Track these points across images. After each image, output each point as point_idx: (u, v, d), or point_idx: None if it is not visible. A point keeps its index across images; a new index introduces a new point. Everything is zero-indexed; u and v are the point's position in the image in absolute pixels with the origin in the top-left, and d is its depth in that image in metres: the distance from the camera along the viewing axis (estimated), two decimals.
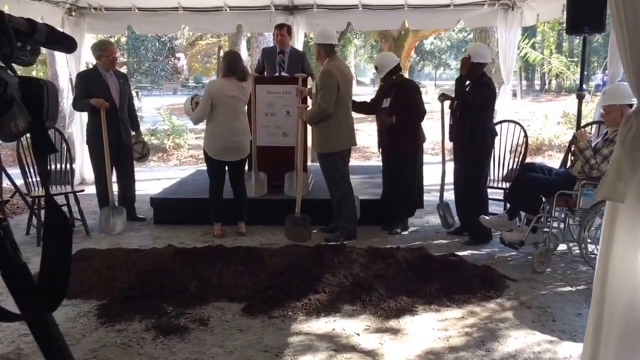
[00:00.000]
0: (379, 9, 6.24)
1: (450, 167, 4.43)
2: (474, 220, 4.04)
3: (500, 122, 5.07)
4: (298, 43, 6.21)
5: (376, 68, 4.41)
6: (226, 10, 6.12)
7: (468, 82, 4.09)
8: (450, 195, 4.48)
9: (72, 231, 1.13)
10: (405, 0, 6.07)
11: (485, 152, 4.14)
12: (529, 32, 19.28)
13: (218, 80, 4.32)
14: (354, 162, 9.09)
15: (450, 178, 4.41)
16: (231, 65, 4.19)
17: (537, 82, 28.78)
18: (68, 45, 1.15)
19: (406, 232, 4.51)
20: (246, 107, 4.40)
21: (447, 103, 4.37)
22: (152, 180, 6.60)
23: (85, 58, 6.12)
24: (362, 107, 4.71)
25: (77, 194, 4.42)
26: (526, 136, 4.60)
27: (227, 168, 4.32)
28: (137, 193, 5.00)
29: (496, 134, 4.28)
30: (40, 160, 1.12)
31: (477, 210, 4.05)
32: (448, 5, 6.15)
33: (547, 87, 24.77)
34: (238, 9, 6.17)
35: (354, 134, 4.30)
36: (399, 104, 4.25)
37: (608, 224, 1.81)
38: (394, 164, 4.39)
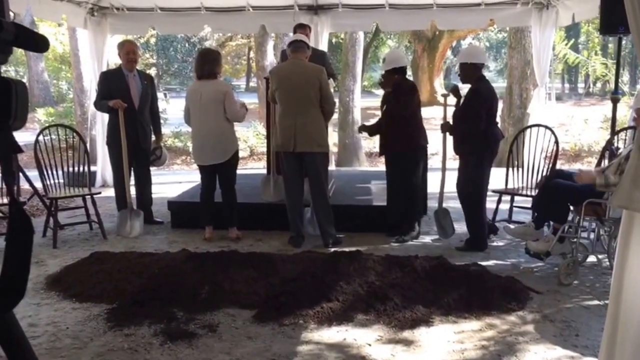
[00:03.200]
0: (407, 8, 6.10)
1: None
2: (470, 227, 4.04)
3: (530, 127, 4.87)
4: (322, 43, 6.14)
5: (383, 60, 4.33)
6: (249, 9, 6.10)
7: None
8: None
9: (33, 234, 1.15)
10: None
11: (484, 160, 3.99)
12: (572, 32, 18.59)
13: (195, 82, 4.30)
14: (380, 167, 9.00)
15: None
16: (195, 66, 4.22)
17: (581, 85, 27.75)
18: (38, 44, 1.14)
19: (415, 240, 4.34)
20: (223, 107, 4.12)
21: (452, 100, 4.26)
22: (173, 183, 6.66)
23: (108, 58, 6.23)
24: (377, 129, 4.55)
25: (94, 195, 4.45)
26: (557, 141, 4.38)
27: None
28: (157, 196, 5.03)
29: (500, 138, 4.11)
30: (5, 161, 1.12)
31: (475, 217, 4.00)
32: (479, 4, 5.97)
33: (590, 89, 23.82)
34: (261, 9, 6.14)
35: (286, 138, 4.01)
36: (396, 103, 4.20)
37: (624, 233, 1.70)
38: (393, 165, 4.32)
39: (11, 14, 4.69)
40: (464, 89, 4.09)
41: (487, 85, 3.99)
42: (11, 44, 1.07)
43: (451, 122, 4.12)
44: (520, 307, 2.99)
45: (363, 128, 4.60)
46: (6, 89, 1.06)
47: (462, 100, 4.09)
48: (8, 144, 1.09)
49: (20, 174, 4.44)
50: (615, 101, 4.49)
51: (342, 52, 10.12)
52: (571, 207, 3.51)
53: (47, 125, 5.40)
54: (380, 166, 8.98)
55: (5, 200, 4.03)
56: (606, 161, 4.03)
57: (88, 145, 5.96)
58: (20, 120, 1.10)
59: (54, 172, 4.35)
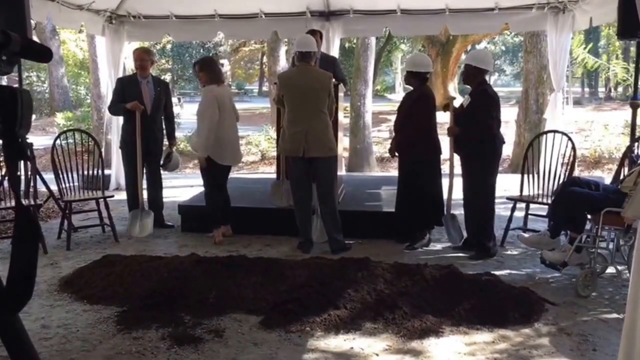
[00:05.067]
0: (419, 13, 6.06)
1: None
2: (481, 234, 4.00)
3: (546, 132, 4.79)
4: (333, 49, 6.13)
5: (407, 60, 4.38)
6: (261, 16, 6.14)
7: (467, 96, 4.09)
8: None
9: (39, 237, 1.18)
10: (447, 4, 5.86)
11: (493, 163, 3.98)
12: (592, 36, 18.24)
13: (213, 87, 4.29)
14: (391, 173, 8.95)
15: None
16: (216, 72, 4.36)
17: (602, 89, 27.32)
18: (43, 55, 1.20)
19: (426, 248, 4.29)
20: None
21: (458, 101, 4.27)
22: (185, 186, 6.68)
23: (124, 64, 6.34)
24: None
25: (107, 199, 4.52)
26: (573, 148, 4.28)
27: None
28: (168, 199, 5.07)
29: (503, 142, 4.08)
30: (11, 167, 1.16)
31: (484, 223, 3.96)
32: (492, 9, 5.88)
33: (611, 94, 23.41)
34: (273, 15, 6.17)
35: (295, 144, 4.02)
36: (411, 110, 4.20)
37: None
38: (401, 171, 4.31)
39: (32, 22, 4.81)
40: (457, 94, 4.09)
41: (492, 89, 4.01)
42: (18, 55, 1.13)
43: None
44: (534, 319, 2.92)
45: (392, 151, 4.47)
46: (13, 98, 1.11)
47: (465, 102, 4.06)
48: (15, 150, 1.13)
49: (38, 177, 4.51)
50: (634, 107, 4.38)
51: (354, 57, 10.12)
52: (589, 216, 3.42)
53: (64, 129, 5.51)
54: (392, 171, 8.94)
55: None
56: (626, 169, 3.93)
57: (103, 149, 6.04)
58: (25, 127, 1.14)
59: (70, 175, 4.43)
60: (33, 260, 1.15)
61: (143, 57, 4.70)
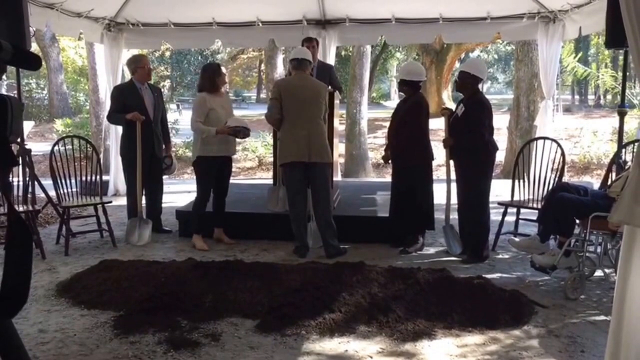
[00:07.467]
0: (413, 22, 6.17)
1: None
2: (472, 238, 4.08)
3: (536, 139, 4.87)
4: (330, 57, 6.22)
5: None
6: (258, 24, 6.24)
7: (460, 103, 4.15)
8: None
9: (32, 241, 1.18)
10: (440, 13, 5.98)
11: (488, 169, 4.07)
12: (582, 45, 18.44)
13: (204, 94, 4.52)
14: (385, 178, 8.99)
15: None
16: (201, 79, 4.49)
17: (591, 97, 27.62)
18: (32, 63, 1.23)
19: (419, 252, 4.35)
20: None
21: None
22: (183, 192, 6.72)
23: (123, 71, 6.40)
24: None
25: (105, 204, 4.56)
26: (563, 154, 4.37)
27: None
28: (166, 205, 5.10)
29: (497, 149, 4.16)
30: (2, 172, 1.17)
31: (480, 228, 4.02)
32: (485, 18, 6.00)
33: (601, 101, 23.66)
34: (270, 24, 6.27)
35: (300, 148, 4.06)
36: (404, 117, 4.29)
37: (625, 249, 1.68)
38: (396, 177, 4.38)
39: (32, 29, 4.83)
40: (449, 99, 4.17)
41: (485, 97, 4.10)
42: (8, 63, 1.16)
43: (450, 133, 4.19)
44: (524, 322, 2.97)
45: (386, 157, 4.55)
46: (2, 105, 1.13)
47: (459, 111, 4.12)
48: (6, 156, 1.15)
49: (36, 183, 4.55)
50: (622, 114, 4.47)
51: (350, 65, 10.22)
52: (577, 221, 3.49)
53: (63, 135, 5.54)
54: (387, 177, 8.99)
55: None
56: (614, 174, 4.01)
57: (102, 155, 6.04)
58: (15, 134, 1.17)
59: (68, 181, 4.46)
60: (27, 266, 1.16)
61: (149, 63, 4.79)
